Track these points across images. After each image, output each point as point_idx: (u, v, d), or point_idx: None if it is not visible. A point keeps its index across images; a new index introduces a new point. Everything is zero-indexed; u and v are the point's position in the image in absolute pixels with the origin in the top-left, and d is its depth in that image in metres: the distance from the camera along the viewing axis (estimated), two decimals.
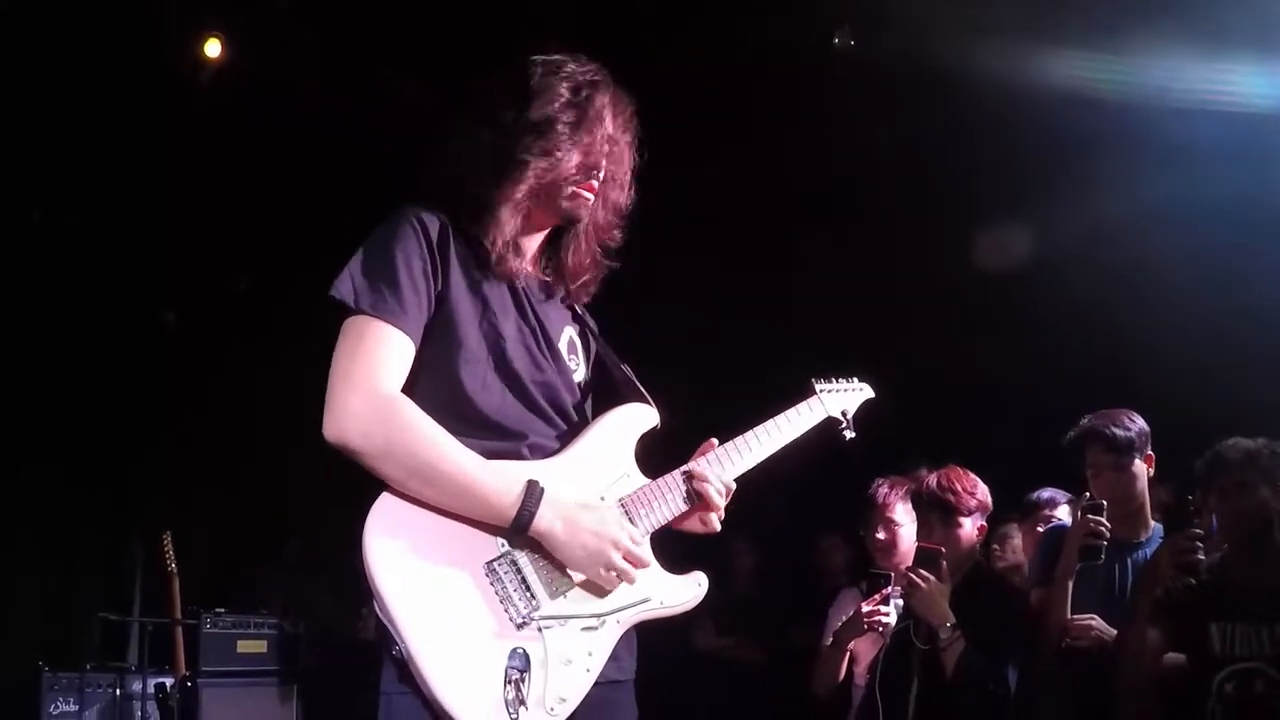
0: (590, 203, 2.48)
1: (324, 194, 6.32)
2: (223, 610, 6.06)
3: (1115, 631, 3.75)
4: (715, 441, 2.59)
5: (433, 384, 2.33)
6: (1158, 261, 5.22)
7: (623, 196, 2.54)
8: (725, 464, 2.55)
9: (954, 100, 5.42)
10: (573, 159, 2.41)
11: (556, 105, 2.40)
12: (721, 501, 2.50)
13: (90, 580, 6.75)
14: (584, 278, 2.57)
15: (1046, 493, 4.82)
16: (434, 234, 2.36)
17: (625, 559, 2.31)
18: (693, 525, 2.55)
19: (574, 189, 2.44)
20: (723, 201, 5.84)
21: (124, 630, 6.46)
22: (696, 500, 2.49)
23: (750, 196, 5.92)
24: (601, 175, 2.47)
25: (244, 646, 6.04)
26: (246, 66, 6.08)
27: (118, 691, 5.83)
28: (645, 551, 2.40)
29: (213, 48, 5.93)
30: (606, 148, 2.46)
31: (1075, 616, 3.77)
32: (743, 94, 5.68)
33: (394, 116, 5.98)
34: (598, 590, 2.34)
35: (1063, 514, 4.70)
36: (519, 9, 5.33)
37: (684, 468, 2.52)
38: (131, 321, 7.10)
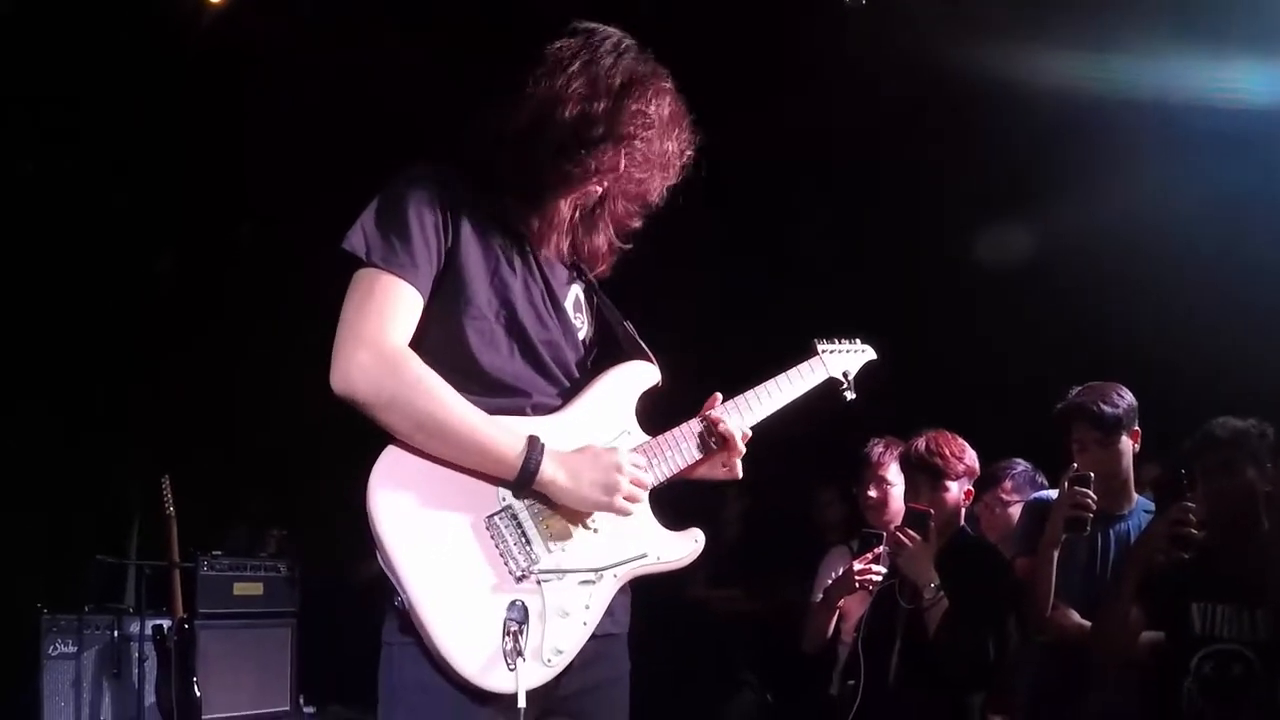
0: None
1: (328, 143, 6.33)
2: (219, 553, 6.12)
3: (1086, 624, 3.79)
4: (720, 396, 2.63)
5: (439, 338, 2.36)
6: (1155, 248, 5.22)
7: (655, 195, 2.52)
8: (733, 417, 2.61)
9: (952, 81, 5.43)
10: (637, 176, 2.44)
11: (638, 123, 2.39)
12: (743, 446, 2.57)
13: (89, 523, 6.78)
14: (599, 264, 2.59)
15: (1004, 465, 4.86)
16: (447, 190, 2.39)
17: (632, 482, 2.38)
18: (714, 471, 2.61)
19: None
20: (728, 163, 5.85)
21: (121, 573, 6.52)
22: (717, 446, 2.55)
23: (755, 158, 5.91)
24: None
25: (240, 589, 6.13)
26: (248, 11, 6.06)
27: (115, 633, 5.90)
28: (646, 481, 2.45)
29: None
30: (664, 160, 2.47)
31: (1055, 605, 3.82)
32: (752, 54, 5.67)
33: (395, 65, 5.97)
34: (596, 545, 2.39)
35: (1006, 487, 4.77)
36: None
37: (702, 415, 2.58)
38: (133, 265, 7.09)
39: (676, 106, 2.48)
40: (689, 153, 2.51)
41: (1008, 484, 4.79)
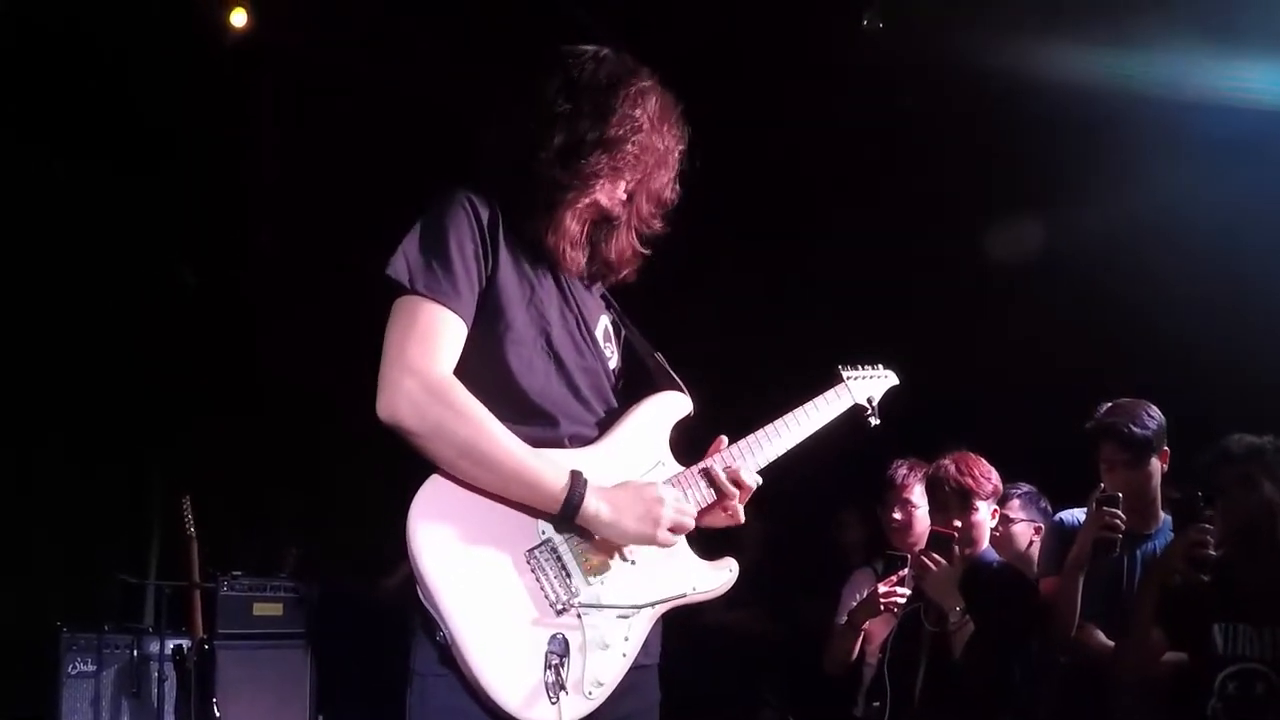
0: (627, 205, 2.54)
1: (342, 154, 6.37)
2: (239, 574, 6.12)
3: (1112, 644, 3.79)
4: (725, 440, 2.63)
5: (479, 364, 2.37)
6: (1169, 254, 5.22)
7: (667, 191, 2.58)
8: (754, 452, 2.60)
9: (969, 88, 5.45)
10: (635, 177, 2.49)
11: (627, 127, 2.44)
12: (737, 494, 2.55)
13: (109, 541, 6.78)
14: (625, 269, 2.61)
15: (1009, 485, 4.84)
16: (485, 217, 2.42)
17: (676, 513, 2.39)
18: (715, 520, 2.61)
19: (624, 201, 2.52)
20: (745, 186, 5.87)
21: (141, 592, 6.52)
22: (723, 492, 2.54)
23: (773, 180, 5.93)
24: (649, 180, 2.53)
25: (260, 609, 6.10)
26: (271, 32, 6.12)
27: (135, 653, 5.87)
28: (690, 510, 2.46)
29: (238, 17, 5.97)
30: (660, 156, 2.52)
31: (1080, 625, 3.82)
32: (771, 75, 5.70)
33: (417, 82, 6.03)
34: (634, 578, 2.40)
35: (1014, 506, 4.74)
36: None
37: (703, 466, 2.56)
38: (151, 281, 7.10)
39: (663, 101, 2.52)
40: (682, 146, 2.55)
41: (1015, 503, 4.78)
